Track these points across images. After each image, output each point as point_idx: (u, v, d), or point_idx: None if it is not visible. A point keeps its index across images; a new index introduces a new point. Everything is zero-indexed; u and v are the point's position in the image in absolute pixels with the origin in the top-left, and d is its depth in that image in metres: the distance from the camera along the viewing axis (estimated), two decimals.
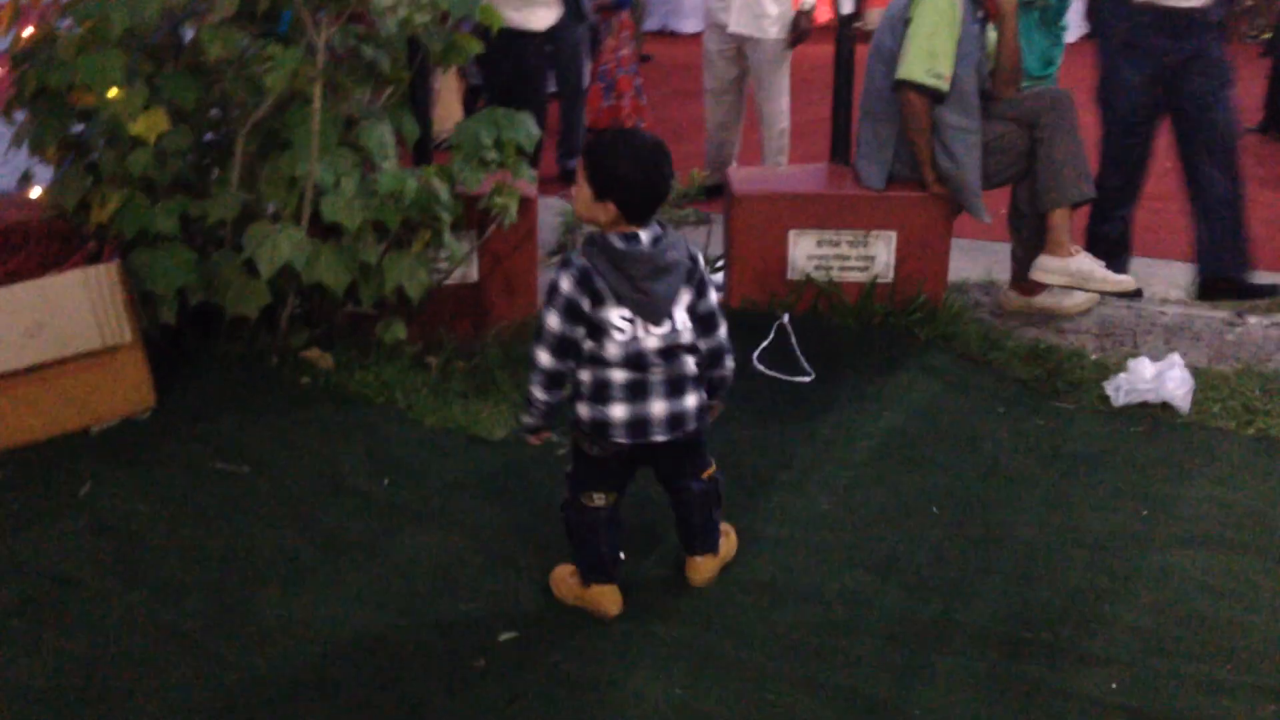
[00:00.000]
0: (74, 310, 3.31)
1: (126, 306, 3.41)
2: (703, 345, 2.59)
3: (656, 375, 2.54)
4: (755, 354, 4.03)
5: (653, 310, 2.50)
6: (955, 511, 3.13)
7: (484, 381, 3.83)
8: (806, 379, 3.91)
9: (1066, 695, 2.44)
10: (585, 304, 2.48)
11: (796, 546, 2.97)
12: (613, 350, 2.50)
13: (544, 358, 2.52)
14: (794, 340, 4.07)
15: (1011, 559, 2.91)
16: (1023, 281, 4.42)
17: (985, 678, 2.49)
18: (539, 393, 2.58)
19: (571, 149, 6.66)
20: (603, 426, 2.55)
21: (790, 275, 4.28)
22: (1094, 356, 4.07)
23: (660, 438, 2.57)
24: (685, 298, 2.55)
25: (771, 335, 4.09)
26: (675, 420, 2.57)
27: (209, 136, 3.88)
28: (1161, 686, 2.46)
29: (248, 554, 2.88)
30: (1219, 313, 4.38)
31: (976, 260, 4.93)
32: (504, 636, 2.62)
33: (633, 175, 2.45)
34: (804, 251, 4.25)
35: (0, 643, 2.56)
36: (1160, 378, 3.73)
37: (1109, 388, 3.79)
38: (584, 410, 2.57)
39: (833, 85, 4.59)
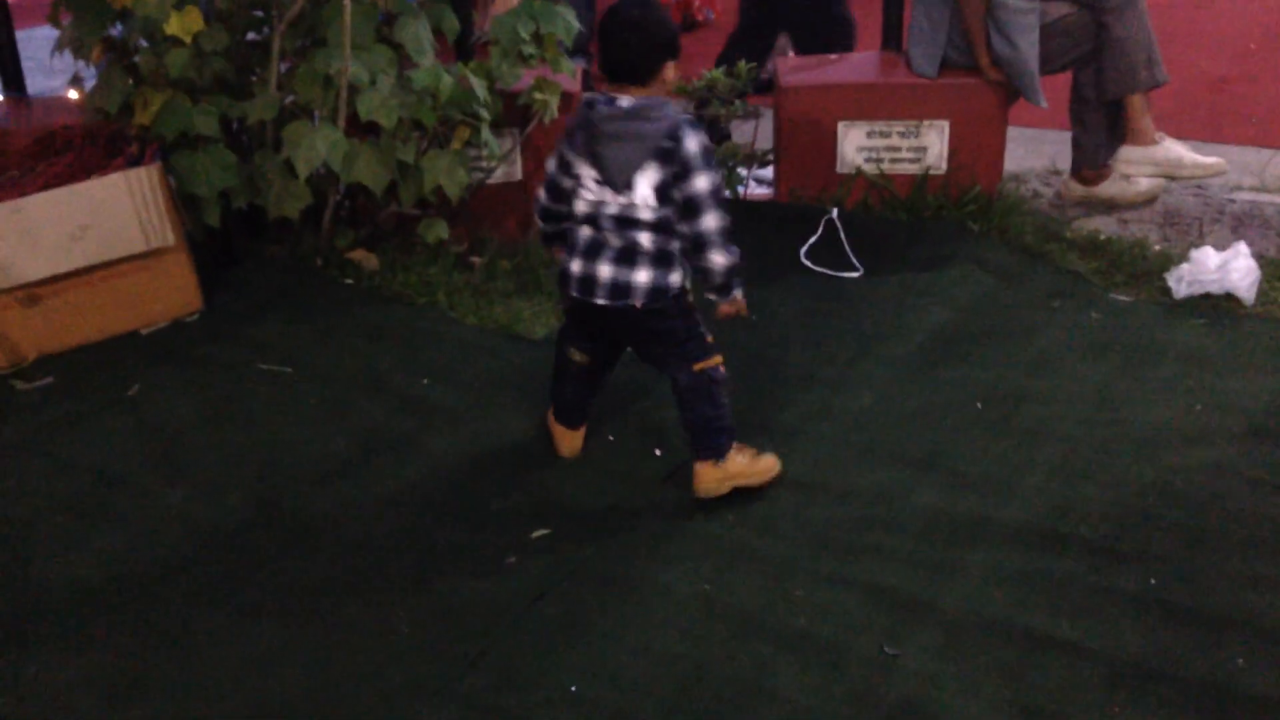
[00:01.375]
0: (117, 213, 3.34)
1: (170, 209, 3.43)
2: (685, 229, 2.55)
3: (611, 240, 2.57)
4: (803, 249, 3.95)
5: (609, 175, 2.53)
6: (999, 407, 3.07)
7: (527, 280, 3.81)
8: (855, 274, 3.83)
9: (1102, 591, 2.39)
10: (570, 154, 2.61)
11: (835, 443, 2.93)
12: (579, 205, 2.61)
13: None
14: (843, 235, 3.98)
15: (1054, 455, 2.84)
16: (1085, 169, 4.26)
17: (1018, 574, 2.45)
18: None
19: None
20: (564, 277, 2.68)
21: (840, 169, 4.17)
22: (1157, 247, 3.94)
23: (601, 300, 2.60)
24: (651, 173, 2.50)
25: (820, 230, 4.01)
26: (619, 288, 2.58)
27: (251, 36, 3.86)
28: (1201, 581, 2.40)
29: (286, 453, 2.92)
30: None
31: (1037, 149, 4.76)
32: (536, 533, 2.63)
33: (601, 35, 2.56)
34: (854, 143, 4.14)
35: (45, 539, 2.63)
36: (1225, 268, 3.60)
37: (1170, 279, 3.67)
38: (561, 259, 2.71)
39: None
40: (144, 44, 3.61)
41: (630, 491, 2.77)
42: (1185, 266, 3.65)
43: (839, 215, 4.03)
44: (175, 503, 2.74)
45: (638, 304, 2.59)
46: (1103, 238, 3.98)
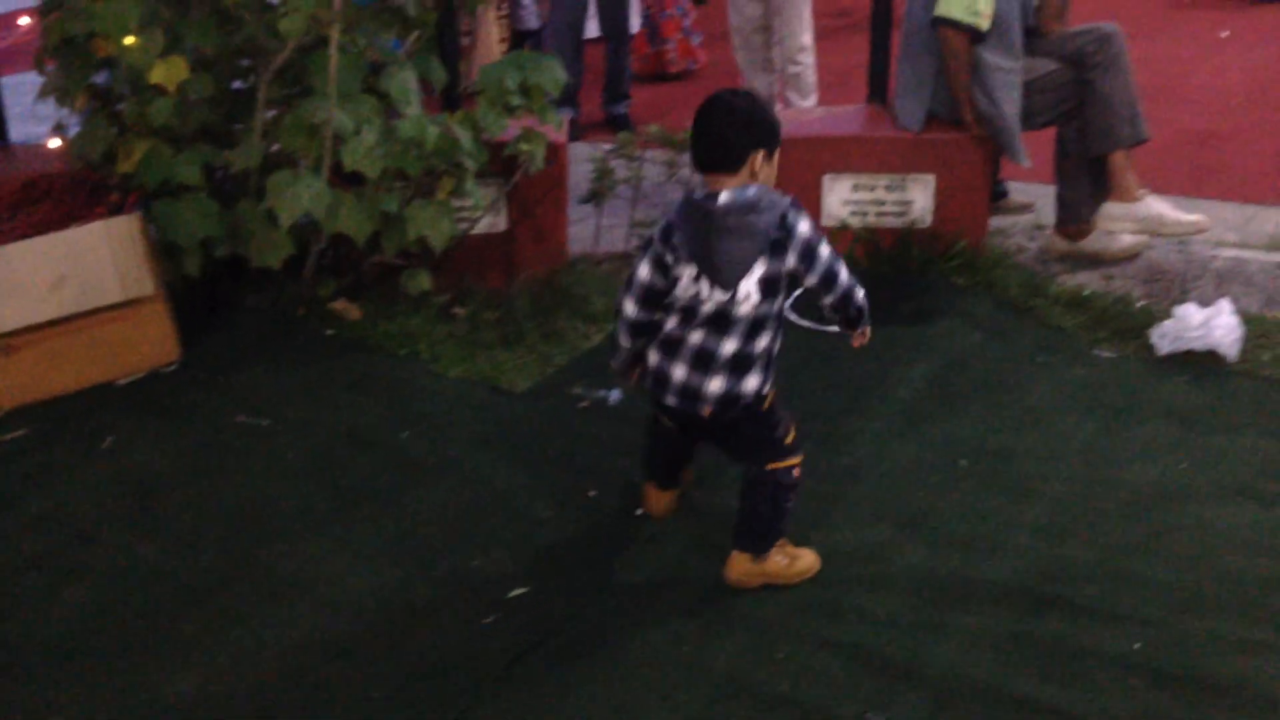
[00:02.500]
0: (96, 262, 3.32)
1: (149, 258, 3.40)
2: (829, 299, 2.56)
3: (691, 339, 2.48)
4: (789, 303, 3.92)
5: (717, 273, 2.41)
6: (986, 464, 3.04)
7: (511, 332, 3.79)
8: (839, 329, 3.81)
9: (1088, 655, 2.36)
10: (669, 257, 2.47)
11: (820, 500, 2.90)
12: (676, 300, 2.50)
13: (628, 306, 2.56)
14: None
15: (1040, 513, 2.82)
16: (1069, 225, 4.27)
17: (1004, 636, 2.42)
18: (622, 339, 2.62)
19: (617, 94, 6.55)
20: (648, 376, 2.60)
21: (825, 221, 4.17)
22: (1140, 303, 3.93)
23: (671, 401, 2.53)
24: (761, 267, 2.40)
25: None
26: (689, 393, 2.50)
27: (237, 85, 3.86)
28: (1189, 646, 2.37)
29: (264, 508, 2.88)
30: (1274, 256, 4.21)
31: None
32: (514, 592, 2.59)
33: (696, 123, 2.47)
34: (839, 196, 4.14)
35: (18, 595, 2.58)
36: (1208, 325, 3.59)
37: (1154, 335, 3.66)
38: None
39: (870, 24, 4.44)
40: (128, 92, 3.60)
41: (611, 551, 2.73)
42: (1169, 323, 3.64)
43: None
44: (149, 558, 2.69)
45: (705, 412, 2.51)
46: (1087, 293, 3.98)
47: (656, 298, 2.52)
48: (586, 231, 4.41)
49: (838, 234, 4.15)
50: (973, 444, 3.14)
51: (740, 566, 2.60)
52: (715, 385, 2.48)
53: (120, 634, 2.46)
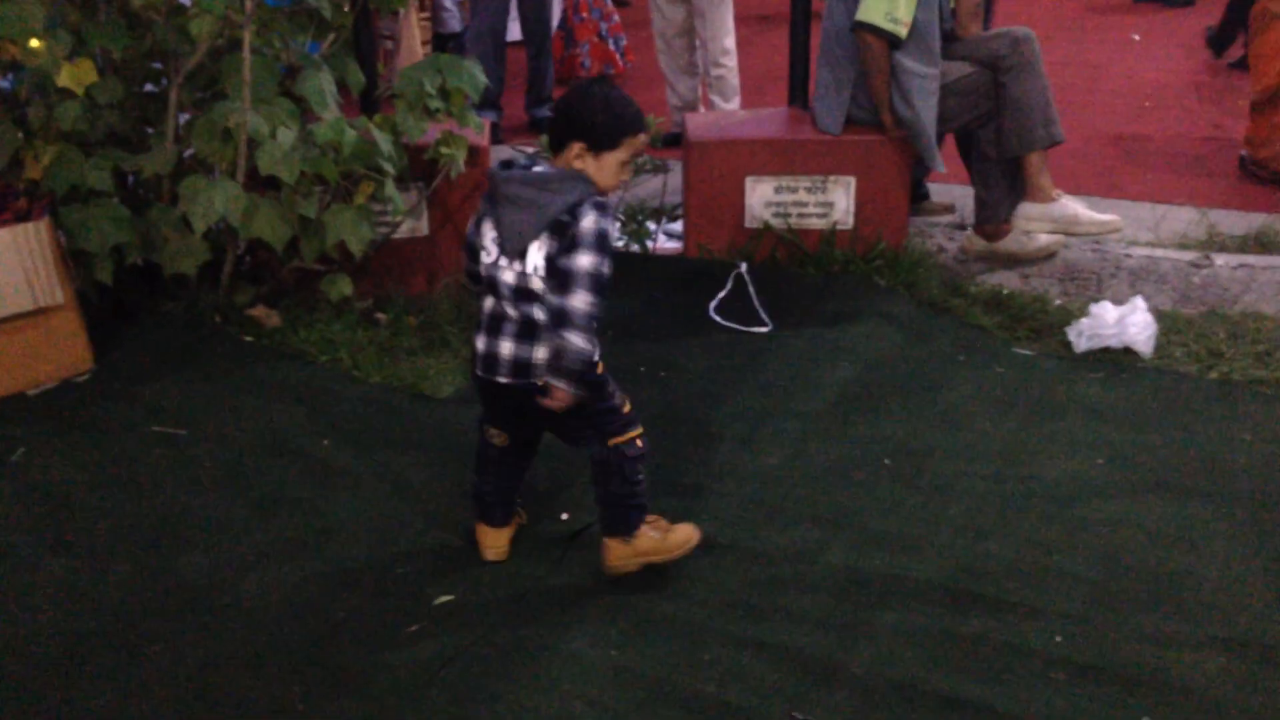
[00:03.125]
0: (4, 271, 3.22)
1: (59, 266, 3.32)
2: (554, 301, 2.37)
3: (510, 312, 2.44)
4: (712, 304, 3.95)
5: (505, 238, 2.41)
6: (908, 464, 3.07)
7: (434, 337, 3.75)
8: (764, 330, 3.84)
9: (1011, 650, 2.38)
10: (481, 214, 2.50)
11: (743, 502, 2.90)
12: (482, 270, 2.48)
13: (465, 254, 2.60)
14: (752, 290, 3.99)
15: (962, 511, 2.85)
16: (987, 225, 4.33)
17: (928, 633, 2.43)
18: (467, 280, 2.66)
19: (540, 97, 6.53)
20: (473, 355, 2.54)
21: (749, 223, 4.19)
22: (1057, 301, 4.00)
23: (503, 379, 2.47)
24: (544, 243, 2.37)
25: (729, 285, 4.01)
26: (520, 366, 2.45)
27: (149, 88, 3.78)
28: (1107, 639, 2.41)
29: (179, 519, 2.81)
30: (1186, 255, 4.30)
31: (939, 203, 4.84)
32: (439, 600, 2.56)
33: None
34: (761, 198, 4.16)
35: None
36: (1122, 322, 3.67)
37: (1071, 333, 3.73)
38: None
39: (790, 28, 4.47)
40: (35, 96, 3.51)
41: (536, 555, 2.71)
42: (1085, 321, 3.71)
43: (747, 270, 4.03)
44: (59, 573, 2.62)
45: (539, 382, 2.45)
46: (1005, 292, 4.04)
47: (476, 253, 2.50)
48: None
49: (761, 235, 4.16)
50: (895, 443, 3.16)
51: (614, 552, 2.60)
52: (543, 353, 2.43)
53: (29, 651, 2.39)
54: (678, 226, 4.46)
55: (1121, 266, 4.24)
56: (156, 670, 2.34)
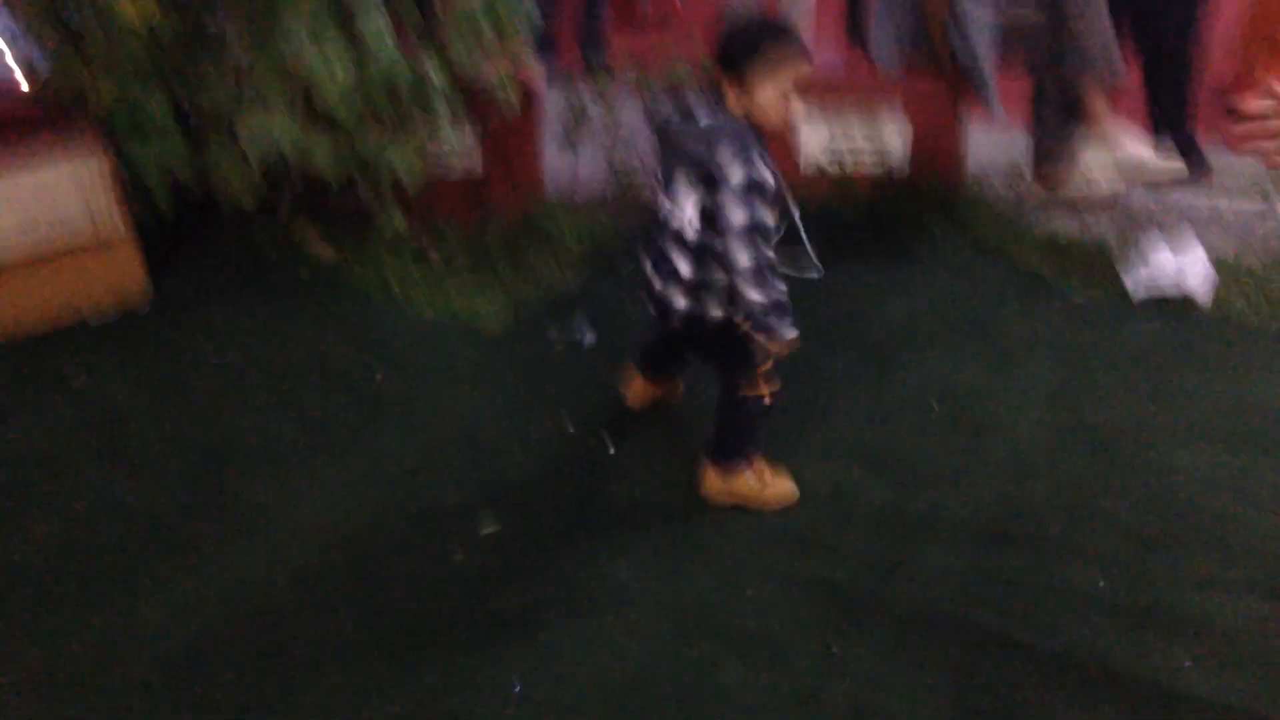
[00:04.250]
0: (66, 203, 3.29)
1: (119, 198, 3.38)
2: (717, 245, 2.39)
3: (668, 250, 2.50)
4: None
5: (668, 187, 2.46)
6: (955, 405, 3.06)
7: (485, 275, 3.78)
8: (815, 275, 3.81)
9: (1051, 589, 2.38)
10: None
11: (792, 439, 2.91)
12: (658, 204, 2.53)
13: None
14: (804, 235, 3.96)
15: (1008, 453, 2.84)
16: (1046, 170, 4.27)
17: (968, 571, 2.44)
18: None
19: (594, 38, 6.49)
20: (645, 285, 2.62)
21: (803, 169, 4.15)
22: (1116, 249, 3.94)
23: (651, 309, 2.58)
24: (697, 195, 2.38)
25: (781, 229, 3.98)
26: (662, 301, 2.55)
27: (209, 26, 3.80)
28: (1149, 581, 2.40)
29: (231, 443, 2.87)
30: (1250, 204, 4.21)
31: (1000, 149, 4.76)
32: (486, 530, 2.60)
33: None
34: (817, 143, 4.12)
35: None
36: (1182, 271, 3.61)
37: (1128, 281, 3.67)
38: None
39: None
40: (98, 31, 3.55)
41: (584, 487, 2.74)
42: (1143, 269, 3.66)
43: (800, 215, 4.00)
44: (116, 491, 2.69)
45: (675, 324, 2.55)
46: (1063, 239, 3.99)
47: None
48: (565, 175, 4.39)
49: (815, 180, 4.13)
50: (943, 384, 3.15)
51: (711, 481, 2.66)
52: (680, 303, 2.51)
53: (89, 566, 2.46)
54: None
55: (1184, 215, 4.16)
56: (208, 585, 2.41)
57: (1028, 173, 4.40)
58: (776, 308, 2.39)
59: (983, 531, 2.56)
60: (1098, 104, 4.04)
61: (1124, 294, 3.64)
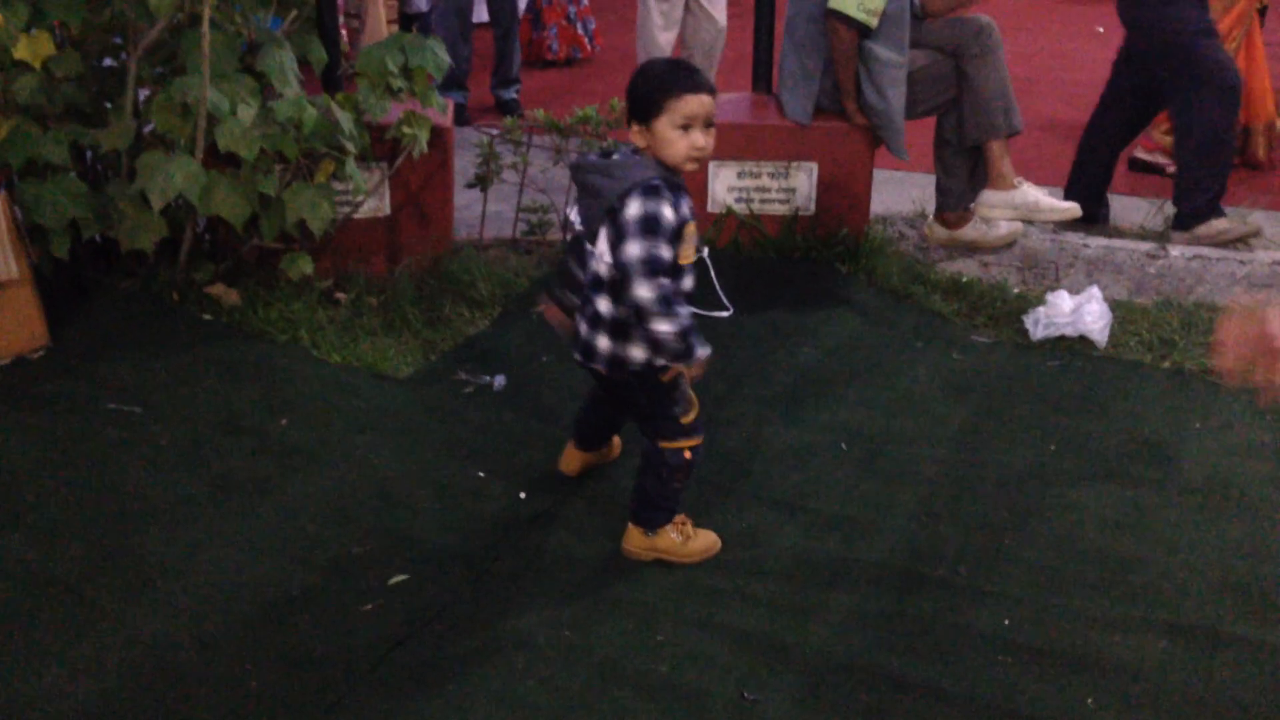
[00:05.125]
0: None
1: (14, 240, 3.28)
2: (627, 299, 2.37)
3: (590, 296, 2.51)
4: None
5: (583, 225, 2.48)
6: (864, 448, 3.10)
7: (394, 317, 3.75)
8: (725, 314, 3.85)
9: (959, 632, 2.42)
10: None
11: (701, 484, 2.91)
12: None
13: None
14: (713, 274, 3.99)
15: (916, 496, 2.88)
16: (948, 213, 4.36)
17: (879, 616, 2.46)
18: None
19: (506, 79, 6.50)
20: (574, 333, 2.60)
21: (711, 208, 4.20)
22: (1015, 290, 4.04)
23: (577, 356, 2.57)
24: (607, 231, 2.41)
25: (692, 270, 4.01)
26: (587, 350, 2.54)
27: (108, 62, 3.74)
28: (1053, 622, 2.45)
29: (133, 497, 2.79)
30: (1142, 245, 4.35)
31: (902, 192, 4.87)
32: (395, 579, 2.57)
33: None
34: (724, 183, 4.17)
35: None
36: (1078, 311, 3.71)
37: (1028, 321, 3.77)
38: None
39: (755, 13, 4.48)
40: None
41: (494, 536, 2.72)
42: (1041, 309, 3.75)
43: (710, 255, 4.04)
44: (13, 549, 2.59)
45: (601, 369, 2.53)
46: (965, 280, 4.08)
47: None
48: (473, 217, 4.37)
49: (723, 220, 4.18)
50: (851, 428, 3.19)
51: (633, 539, 2.65)
52: (603, 344, 2.50)
53: None
54: None
55: (1079, 256, 4.28)
56: (107, 647, 2.33)
57: (930, 214, 4.49)
58: (687, 333, 2.40)
59: (893, 574, 2.59)
60: (997, 148, 4.14)
61: (1024, 333, 3.73)
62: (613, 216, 2.38)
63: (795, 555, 2.66)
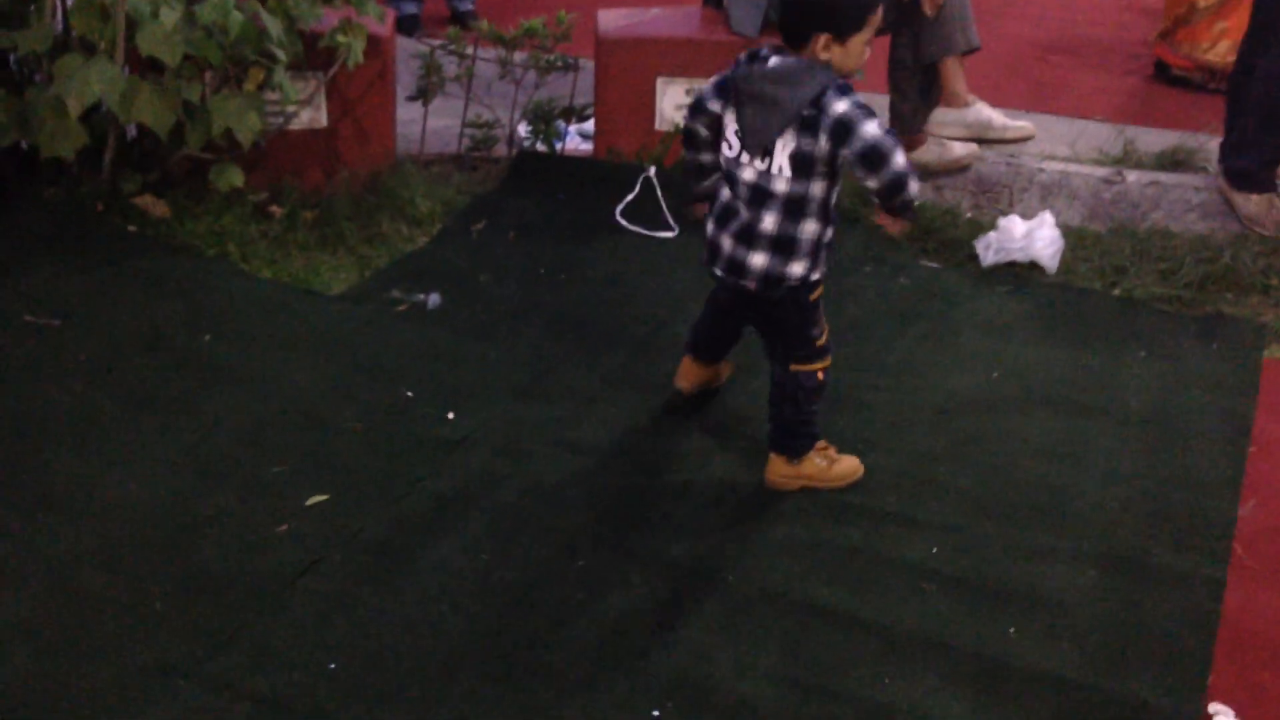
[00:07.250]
0: None
1: None
2: (872, 184, 2.38)
3: (741, 211, 2.44)
4: (619, 208, 3.86)
5: (747, 136, 2.38)
6: None
7: (329, 233, 3.64)
8: (669, 234, 3.76)
9: (885, 561, 2.37)
10: (714, 104, 2.48)
11: (635, 409, 2.86)
12: (722, 159, 2.49)
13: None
14: (660, 194, 3.90)
15: (851, 424, 2.82)
16: (901, 134, 4.26)
17: (805, 544, 2.42)
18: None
19: None
20: (707, 246, 2.56)
21: (659, 125, 4.08)
22: (968, 215, 3.96)
23: (719, 272, 2.52)
24: (790, 140, 2.33)
25: (637, 188, 3.92)
26: (735, 265, 2.47)
27: None
28: (982, 551, 2.41)
29: (44, 413, 2.70)
30: (1098, 170, 4.27)
31: None
32: (311, 500, 2.50)
33: None
34: (672, 101, 4.05)
35: None
36: (1029, 236, 3.64)
37: (979, 246, 3.69)
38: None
39: None
40: None
41: (419, 458, 2.65)
42: (993, 235, 3.68)
43: (656, 174, 3.94)
44: None
45: (751, 286, 2.47)
46: (917, 204, 3.98)
47: (698, 142, 2.57)
48: (418, 132, 4.24)
49: (671, 139, 4.07)
50: None
51: (776, 468, 2.59)
52: (759, 260, 2.44)
53: None
54: (590, 126, 4.34)
55: (1034, 181, 4.20)
56: (11, 565, 2.26)
57: None
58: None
59: (821, 504, 2.54)
60: (951, 64, 4.04)
61: (975, 259, 3.66)
62: (804, 125, 2.32)
63: (725, 482, 2.61)
